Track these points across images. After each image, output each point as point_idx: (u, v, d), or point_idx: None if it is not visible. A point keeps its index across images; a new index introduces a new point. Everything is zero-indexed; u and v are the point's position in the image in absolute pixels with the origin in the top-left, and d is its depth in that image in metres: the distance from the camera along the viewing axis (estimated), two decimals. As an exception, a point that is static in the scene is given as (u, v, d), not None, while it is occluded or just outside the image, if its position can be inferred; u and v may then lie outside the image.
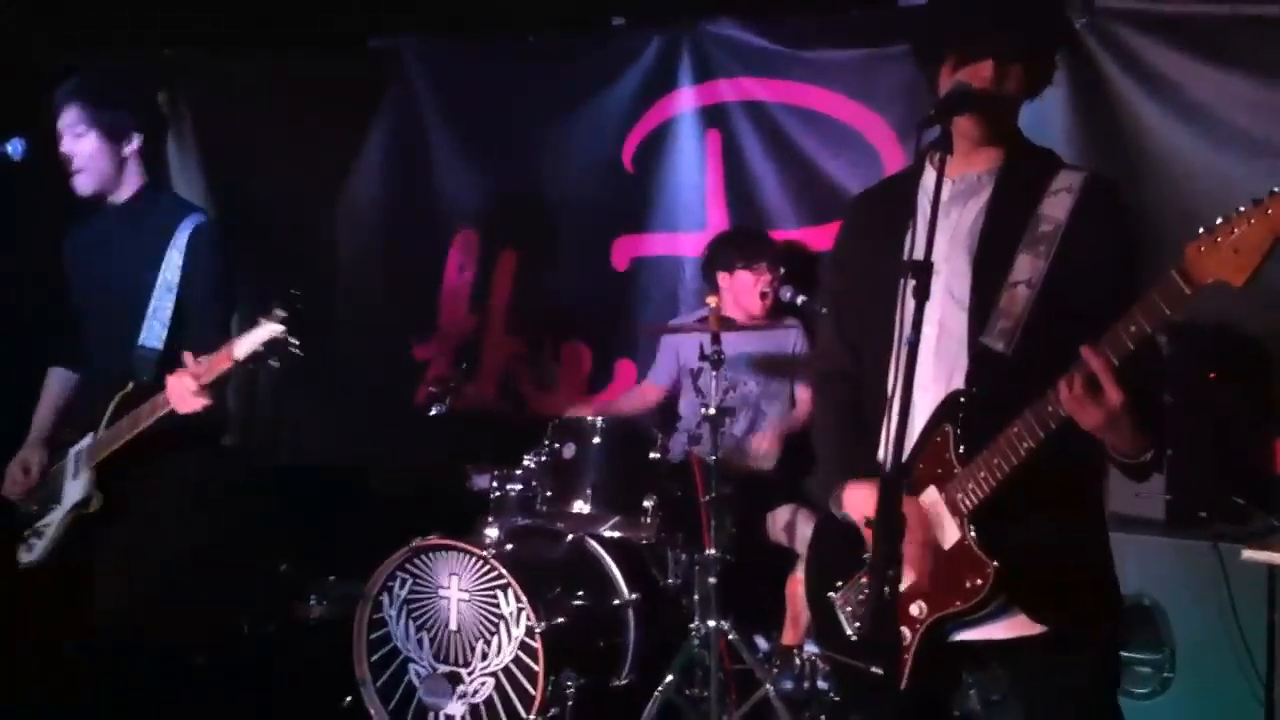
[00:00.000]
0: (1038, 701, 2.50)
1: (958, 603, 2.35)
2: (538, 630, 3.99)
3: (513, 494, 4.48)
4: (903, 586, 2.35)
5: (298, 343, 3.27)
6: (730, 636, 4.10)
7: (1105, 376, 2.15)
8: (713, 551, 4.11)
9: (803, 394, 4.95)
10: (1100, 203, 2.44)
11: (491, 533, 4.30)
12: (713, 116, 5.50)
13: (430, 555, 4.23)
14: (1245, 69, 4.31)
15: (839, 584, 2.57)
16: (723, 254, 4.97)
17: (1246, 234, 2.03)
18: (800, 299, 4.79)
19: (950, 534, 2.37)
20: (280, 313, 3.25)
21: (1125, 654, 3.77)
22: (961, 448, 2.37)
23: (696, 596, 4.20)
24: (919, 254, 2.18)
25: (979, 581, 2.32)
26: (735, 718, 4.03)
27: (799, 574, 4.57)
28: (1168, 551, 3.80)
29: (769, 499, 4.71)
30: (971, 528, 2.34)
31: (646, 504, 4.29)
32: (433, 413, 4.93)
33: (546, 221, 5.80)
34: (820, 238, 5.25)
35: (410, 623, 4.24)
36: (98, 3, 5.48)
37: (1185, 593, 3.73)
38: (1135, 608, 3.78)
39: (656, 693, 4.07)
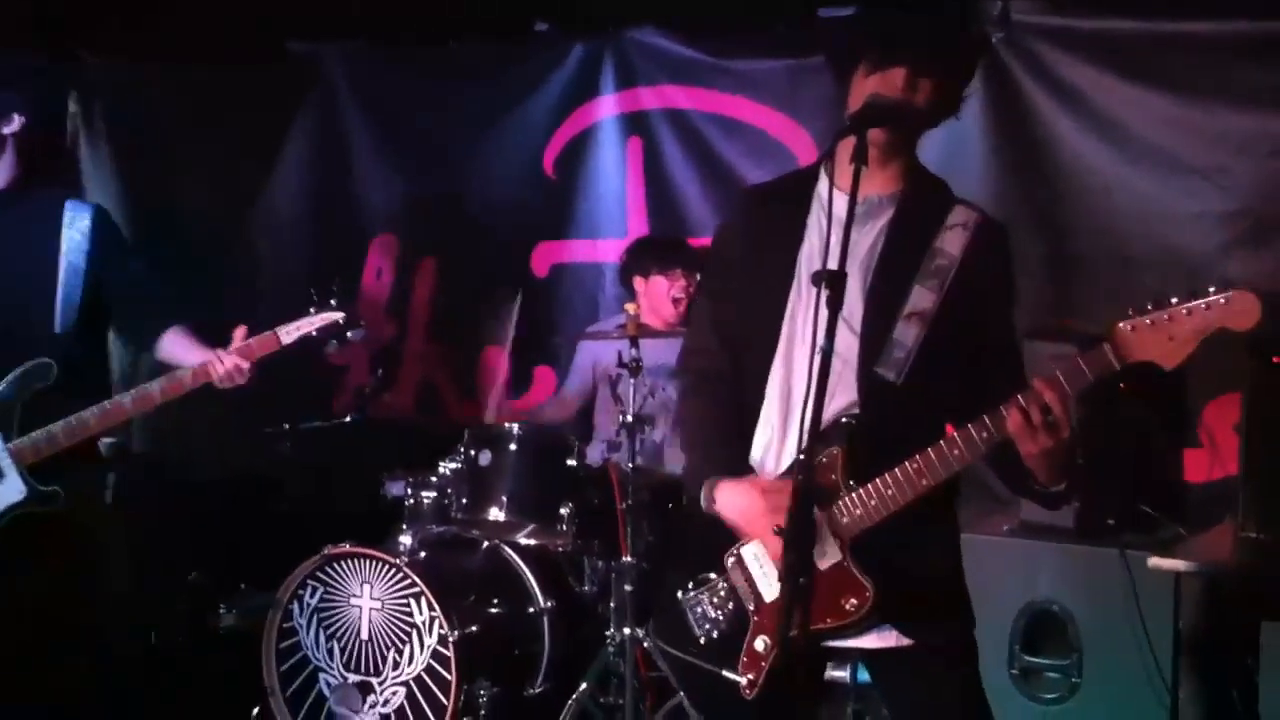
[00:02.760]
0: (913, 707, 2.52)
1: (829, 620, 2.36)
2: (451, 639, 3.95)
3: (427, 501, 4.43)
4: (769, 598, 2.40)
5: (357, 326, 3.52)
6: (645, 644, 4.07)
7: (1061, 409, 2.20)
8: (629, 559, 4.09)
9: None
10: (991, 244, 2.48)
11: (405, 540, 4.25)
12: (635, 124, 5.49)
13: (342, 563, 4.17)
14: (1161, 85, 4.37)
15: (689, 585, 2.55)
16: (638, 259, 4.97)
17: (1184, 324, 2.13)
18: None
19: (829, 554, 2.37)
20: (334, 302, 3.49)
21: (1034, 659, 3.81)
22: (849, 471, 2.38)
23: (613, 604, 4.17)
24: (833, 263, 2.18)
25: (855, 603, 2.34)
26: (650, 725, 4.01)
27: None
28: (1076, 559, 3.83)
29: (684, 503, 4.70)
30: (851, 551, 2.36)
31: (563, 511, 4.26)
32: (348, 419, 4.89)
33: (467, 227, 5.76)
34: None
35: (321, 631, 4.18)
36: (8, 5, 5.37)
37: (1093, 600, 3.76)
38: (1044, 614, 3.82)
39: (571, 700, 4.05)
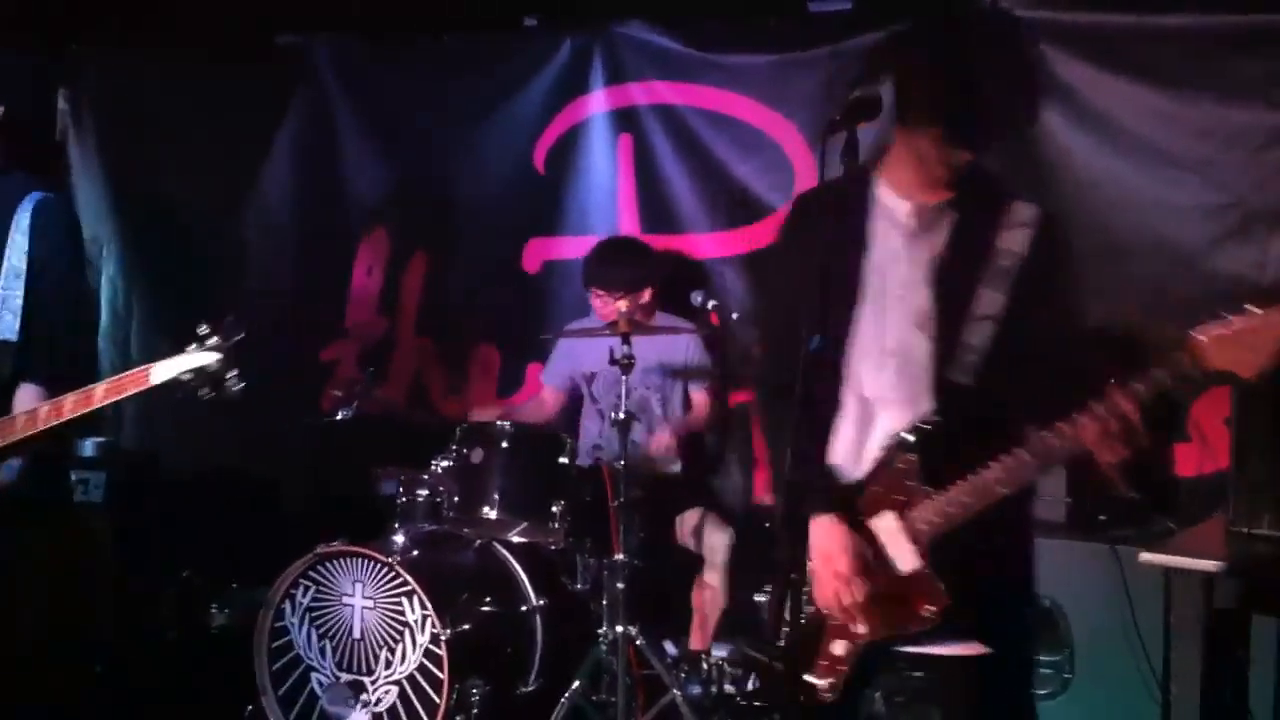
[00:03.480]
0: (965, 707, 2.54)
1: (910, 626, 2.42)
2: (443, 637, 3.95)
3: (419, 499, 4.43)
4: (846, 603, 2.43)
5: (236, 373, 3.00)
6: (638, 642, 4.08)
7: (1138, 419, 2.25)
8: (621, 556, 4.09)
9: (697, 397, 4.96)
10: (1053, 240, 2.52)
11: (397, 539, 4.26)
12: (625, 120, 5.48)
13: (334, 562, 4.17)
14: (1151, 79, 4.37)
15: (769, 588, 2.59)
16: (584, 271, 4.96)
17: (1265, 334, 2.16)
18: (711, 304, 4.79)
19: (907, 560, 2.41)
20: (215, 341, 3.00)
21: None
22: (926, 478, 2.41)
23: (605, 602, 4.17)
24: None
25: (932, 609, 2.39)
26: (642, 723, 4.02)
27: (706, 578, 4.58)
28: (1068, 554, 3.83)
29: (677, 503, 4.70)
30: (930, 556, 2.39)
31: (555, 509, 4.25)
32: (339, 416, 4.87)
33: (457, 223, 5.75)
34: (731, 242, 5.26)
35: (313, 630, 4.18)
36: (-1, 0, 5.36)
37: (1085, 594, 3.77)
38: (1036, 609, 3.82)
39: (563, 699, 4.04)
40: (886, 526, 2.43)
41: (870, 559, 2.41)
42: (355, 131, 5.96)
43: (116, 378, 3.12)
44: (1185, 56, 4.33)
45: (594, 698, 4.19)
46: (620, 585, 4.07)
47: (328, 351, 5.91)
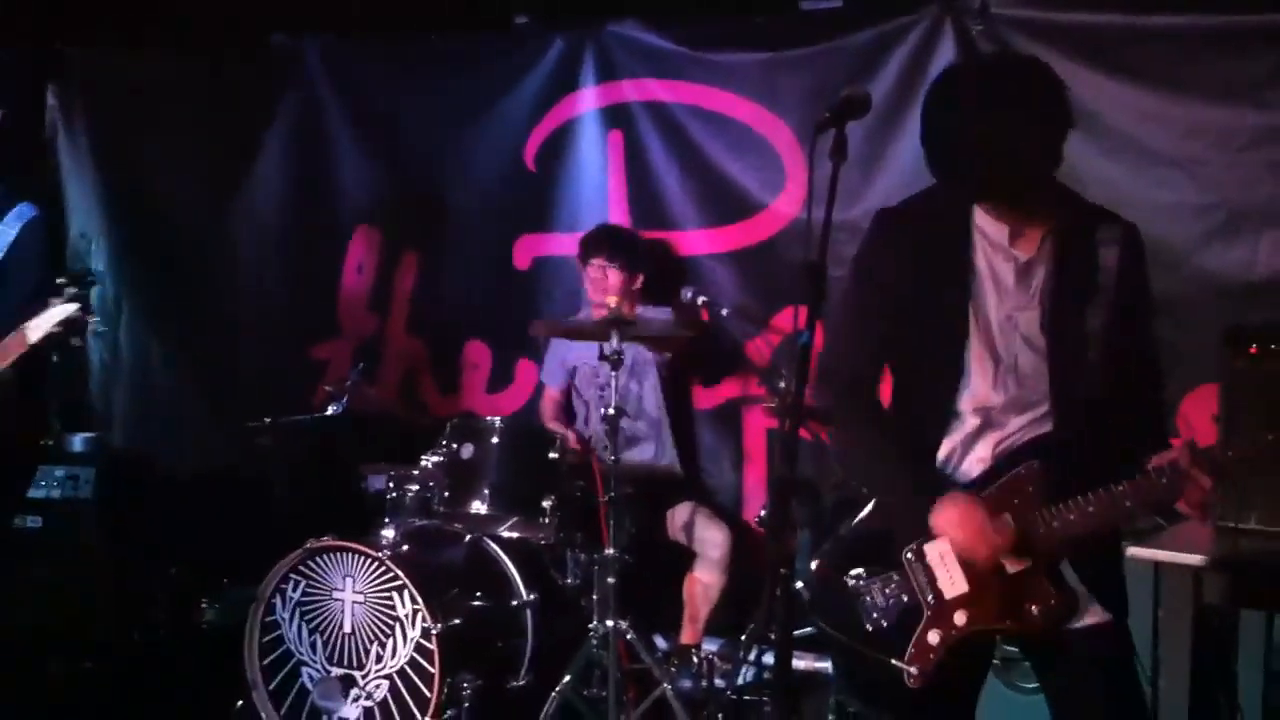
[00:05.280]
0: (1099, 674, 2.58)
1: (1009, 623, 2.49)
2: (434, 632, 3.95)
3: (410, 495, 4.43)
4: (949, 595, 2.50)
5: (97, 318, 3.48)
6: (629, 636, 4.08)
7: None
8: (612, 551, 4.10)
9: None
10: (1137, 254, 2.58)
11: (388, 534, 4.26)
12: (615, 117, 5.49)
13: (324, 557, 4.17)
14: (1137, 78, 4.40)
15: (861, 573, 2.61)
16: (585, 244, 4.99)
17: None
18: (701, 299, 4.82)
19: (1019, 560, 2.47)
20: (71, 291, 3.39)
21: (1014, 649, 3.82)
22: (1047, 486, 2.48)
23: (595, 596, 4.18)
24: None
25: (1038, 611, 2.46)
26: (633, 717, 4.02)
27: (697, 573, 4.60)
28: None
29: (667, 498, 4.72)
30: (1045, 560, 2.47)
31: (545, 504, 4.27)
32: (329, 412, 4.88)
33: (448, 220, 5.75)
34: (722, 238, 5.27)
35: (304, 625, 4.18)
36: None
37: (1074, 589, 3.78)
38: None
39: (554, 693, 4.05)
40: (1002, 527, 2.47)
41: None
42: (346, 130, 5.96)
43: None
44: (1173, 56, 4.35)
45: (585, 692, 4.20)
46: (611, 580, 4.07)
47: (319, 349, 5.91)
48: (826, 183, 2.35)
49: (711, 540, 4.60)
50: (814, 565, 2.73)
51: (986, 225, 2.57)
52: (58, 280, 3.47)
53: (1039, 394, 2.54)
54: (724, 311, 4.87)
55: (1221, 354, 3.45)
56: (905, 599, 2.55)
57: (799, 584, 4.57)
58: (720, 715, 4.33)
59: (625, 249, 4.93)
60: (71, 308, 3.39)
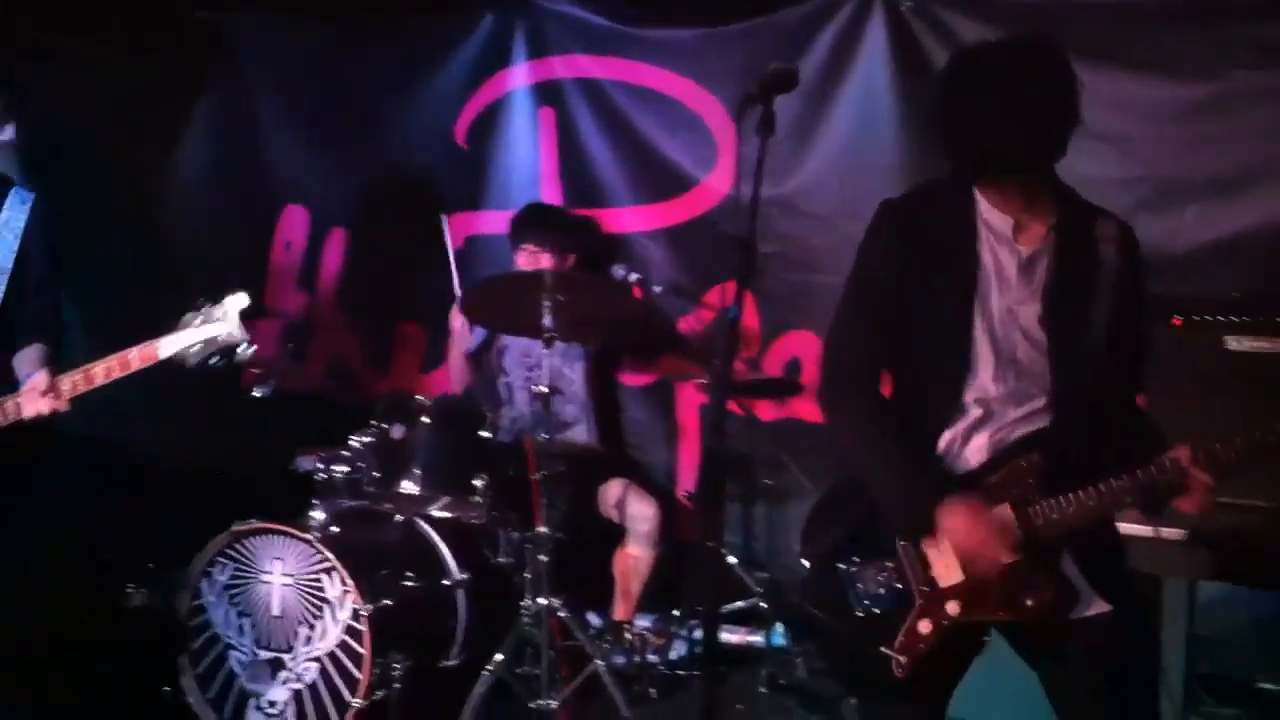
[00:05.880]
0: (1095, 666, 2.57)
1: (1003, 613, 2.48)
2: (364, 613, 3.91)
3: (339, 476, 4.37)
4: (944, 584, 2.49)
5: (248, 338, 3.18)
6: (561, 614, 4.07)
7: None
8: (544, 529, 4.07)
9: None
10: (1133, 247, 2.61)
11: (317, 515, 4.20)
12: (547, 94, 5.45)
13: (252, 540, 4.11)
14: (1070, 54, 4.41)
15: (855, 559, 2.59)
16: (515, 227, 4.95)
17: None
18: (634, 277, 4.79)
19: (1013, 552, 2.46)
20: (224, 310, 3.19)
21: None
22: (1045, 477, 2.48)
23: (528, 574, 4.15)
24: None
25: (1032, 603, 2.45)
26: (566, 694, 4.00)
27: (629, 549, 4.59)
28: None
29: (599, 475, 4.70)
30: (1039, 552, 2.46)
31: (477, 483, 4.24)
32: (257, 394, 4.81)
33: (378, 198, 5.69)
34: (654, 215, 5.26)
35: (231, 609, 4.12)
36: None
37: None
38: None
39: (486, 671, 4.03)
40: (1001, 518, 2.47)
41: (982, 546, 2.47)
42: (272, 106, 5.89)
43: (120, 354, 3.26)
44: (1100, 31, 4.37)
45: (517, 670, 4.18)
46: (543, 558, 4.05)
47: (245, 329, 5.81)
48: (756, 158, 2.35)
49: (641, 515, 4.59)
50: (805, 557, 2.70)
51: (991, 217, 2.57)
52: (196, 301, 3.29)
53: (1037, 387, 2.54)
54: (657, 289, 4.86)
55: (1148, 333, 3.49)
56: (899, 586, 2.54)
57: (731, 559, 4.64)
58: (653, 690, 4.33)
59: (555, 231, 4.90)
60: (222, 329, 3.19)
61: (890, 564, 2.55)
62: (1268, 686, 4.18)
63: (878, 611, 2.53)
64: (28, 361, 3.56)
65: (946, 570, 2.49)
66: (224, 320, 3.22)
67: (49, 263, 3.66)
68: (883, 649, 2.50)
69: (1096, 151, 4.36)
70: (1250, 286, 4.05)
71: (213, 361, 3.23)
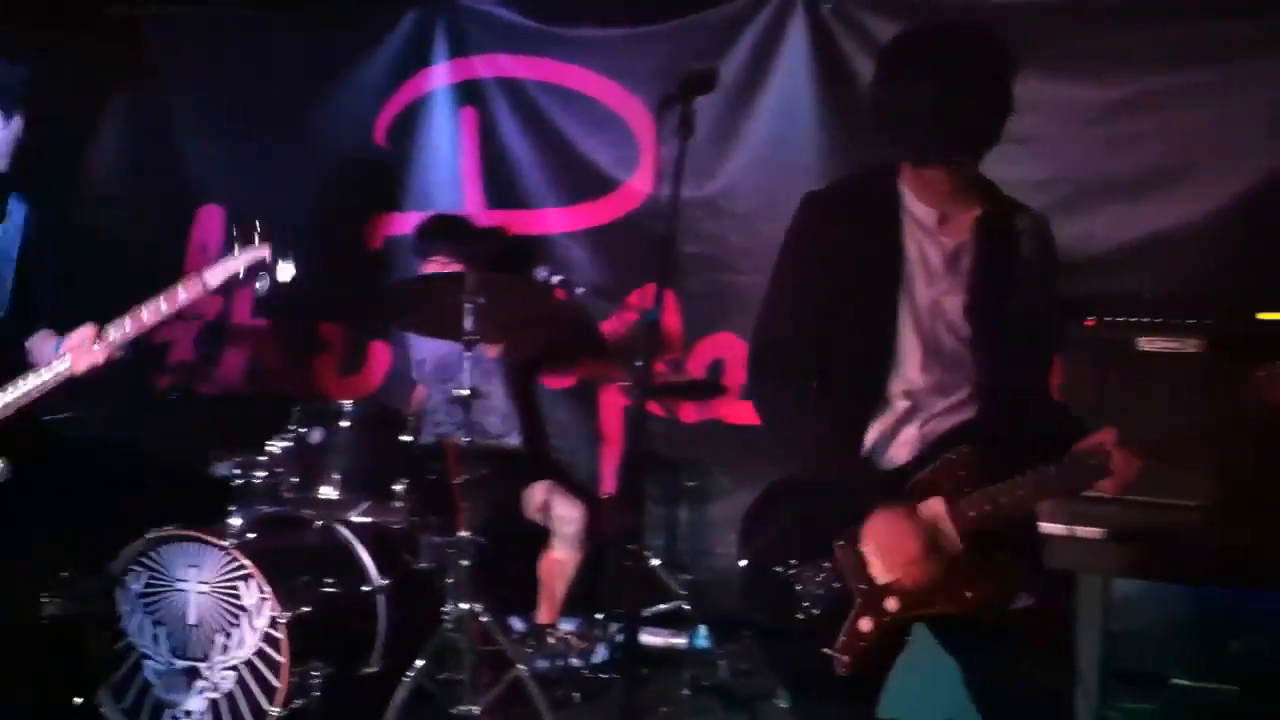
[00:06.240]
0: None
1: (941, 607, 2.48)
2: (281, 620, 3.85)
3: (257, 481, 4.29)
4: (882, 580, 2.48)
5: (287, 261, 3.45)
6: (484, 618, 4.03)
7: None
8: (466, 533, 4.04)
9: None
10: (1050, 241, 2.67)
11: (234, 522, 4.13)
12: (468, 93, 5.42)
13: (167, 547, 4.04)
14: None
15: (793, 561, 2.57)
16: (423, 240, 4.93)
17: None
18: (557, 278, 4.77)
19: (950, 545, 2.46)
20: (257, 239, 3.44)
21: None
22: (976, 469, 2.49)
23: (450, 579, 4.11)
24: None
25: (972, 595, 2.46)
26: (488, 699, 3.97)
27: (554, 552, 4.57)
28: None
29: (522, 477, 4.68)
30: (975, 544, 2.46)
31: (398, 488, 4.19)
32: (173, 398, 4.74)
33: (296, 198, 5.60)
34: (577, 217, 5.25)
35: (146, 617, 4.04)
36: None
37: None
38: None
39: (407, 678, 3.98)
40: (934, 512, 2.48)
41: (914, 543, 2.47)
42: (188, 104, 5.81)
43: (167, 290, 3.41)
44: (1013, 33, 4.38)
45: (439, 676, 4.13)
46: (465, 562, 4.01)
47: (161, 333, 5.71)
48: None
49: (566, 518, 4.58)
50: (743, 559, 2.69)
51: (916, 209, 2.58)
52: (232, 234, 3.51)
53: (962, 378, 2.56)
54: (579, 291, 4.84)
55: (1061, 325, 3.54)
56: (837, 585, 2.53)
57: (654, 560, 4.63)
58: (576, 694, 4.32)
59: (465, 242, 4.86)
60: (261, 252, 3.42)
61: (827, 564, 2.54)
62: (1183, 683, 4.25)
63: (818, 612, 2.53)
64: (43, 336, 3.58)
65: (884, 569, 2.50)
66: (258, 247, 3.46)
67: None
68: (825, 650, 2.50)
69: (1010, 153, 4.29)
70: (1162, 287, 4.13)
71: (259, 287, 3.45)
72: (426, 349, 4.90)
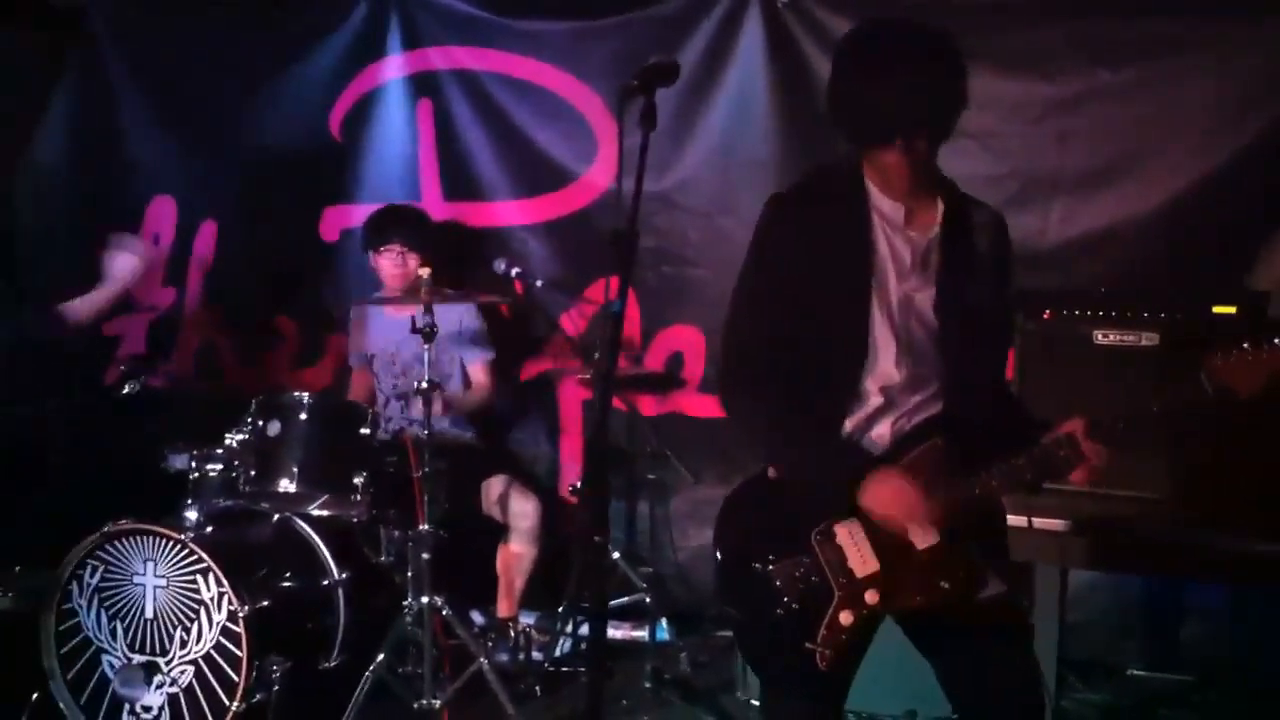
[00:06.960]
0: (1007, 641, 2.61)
1: (919, 598, 2.50)
2: (240, 614, 3.83)
3: (213, 474, 4.24)
4: (860, 574, 2.50)
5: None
6: (444, 612, 4.03)
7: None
8: (425, 527, 4.03)
9: (478, 375, 4.93)
10: (1006, 236, 2.71)
11: (190, 515, 4.09)
12: (423, 85, 5.40)
13: (123, 541, 3.99)
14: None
15: (769, 557, 2.57)
16: (375, 230, 4.89)
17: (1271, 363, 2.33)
18: (515, 271, 4.77)
19: (927, 537, 2.48)
20: None
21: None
22: (949, 461, 2.51)
23: (409, 573, 4.11)
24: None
25: (948, 585, 2.48)
26: (449, 693, 3.98)
27: (511, 545, 4.58)
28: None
29: (481, 471, 4.68)
30: (950, 535, 2.48)
31: (357, 481, 4.17)
32: (125, 391, 4.68)
33: (249, 189, 5.57)
34: (534, 209, 5.24)
35: (103, 612, 4.00)
36: None
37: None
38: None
39: (368, 672, 3.98)
40: (933, 500, 2.49)
41: (891, 534, 2.50)
42: (136, 94, 5.74)
43: None
44: (967, 29, 4.42)
45: (399, 670, 4.13)
46: (425, 556, 4.01)
47: (111, 325, 5.64)
48: (637, 151, 2.34)
49: (523, 512, 4.59)
50: (719, 554, 2.70)
51: (883, 205, 2.60)
52: None
53: (931, 373, 2.59)
54: (538, 283, 4.84)
55: (1015, 319, 3.59)
56: (815, 580, 2.54)
57: (615, 553, 4.65)
58: (537, 688, 4.33)
59: (420, 231, 4.85)
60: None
61: (806, 559, 2.55)
62: (1137, 673, 4.34)
63: (797, 607, 2.53)
64: None
65: (863, 561, 2.52)
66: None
67: None
68: (807, 645, 2.51)
69: (963, 149, 4.46)
70: (1115, 281, 4.21)
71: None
72: (372, 341, 4.88)
